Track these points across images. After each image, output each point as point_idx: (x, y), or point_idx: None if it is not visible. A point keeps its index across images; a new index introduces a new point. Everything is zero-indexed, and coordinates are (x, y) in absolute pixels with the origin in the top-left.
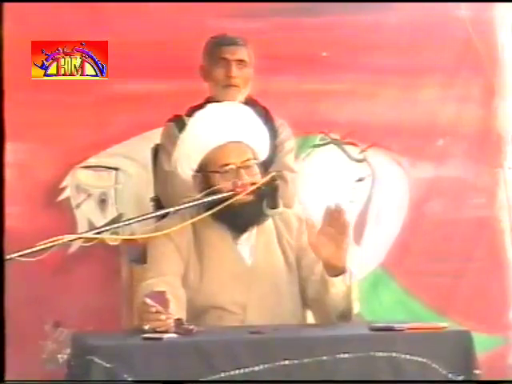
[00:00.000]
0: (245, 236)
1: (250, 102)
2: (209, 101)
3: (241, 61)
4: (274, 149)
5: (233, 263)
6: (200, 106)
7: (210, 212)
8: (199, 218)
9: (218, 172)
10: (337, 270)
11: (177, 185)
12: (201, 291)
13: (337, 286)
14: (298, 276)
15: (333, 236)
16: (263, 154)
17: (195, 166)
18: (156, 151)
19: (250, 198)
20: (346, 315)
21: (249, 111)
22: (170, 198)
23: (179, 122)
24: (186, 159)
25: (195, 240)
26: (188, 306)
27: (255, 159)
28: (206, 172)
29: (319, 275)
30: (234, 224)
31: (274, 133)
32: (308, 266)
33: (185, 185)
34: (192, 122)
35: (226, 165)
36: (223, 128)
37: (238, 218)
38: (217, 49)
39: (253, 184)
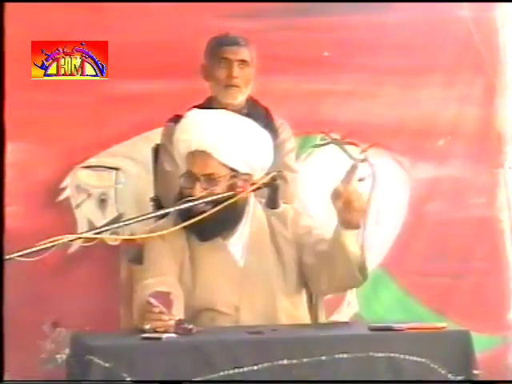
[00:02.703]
0: (236, 236)
1: (250, 102)
2: (210, 100)
3: (242, 61)
4: (275, 149)
5: (224, 265)
6: (201, 106)
7: (210, 212)
8: (195, 220)
9: (182, 176)
10: (352, 226)
11: (177, 185)
12: (194, 293)
13: (348, 236)
14: (301, 263)
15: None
16: (247, 168)
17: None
18: (156, 151)
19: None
20: (362, 270)
21: (234, 121)
22: (170, 198)
23: (179, 122)
24: (179, 156)
25: (189, 242)
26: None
27: (236, 172)
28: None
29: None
30: (197, 233)
31: (274, 133)
32: (312, 247)
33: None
34: (178, 126)
35: (187, 172)
36: (195, 135)
37: (202, 226)
38: (219, 48)
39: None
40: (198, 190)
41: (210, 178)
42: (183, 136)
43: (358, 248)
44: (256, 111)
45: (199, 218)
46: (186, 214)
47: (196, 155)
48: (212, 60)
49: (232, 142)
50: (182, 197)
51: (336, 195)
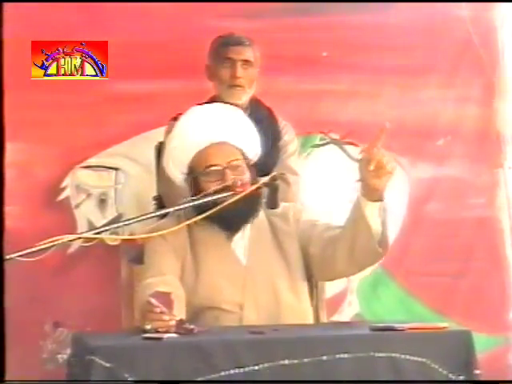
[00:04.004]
0: (238, 235)
1: (254, 102)
2: (213, 100)
3: (246, 61)
4: (277, 150)
5: (227, 263)
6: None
7: (206, 214)
8: (196, 219)
9: (203, 174)
10: (375, 196)
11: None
12: (196, 292)
13: (371, 208)
14: (308, 256)
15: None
16: (253, 153)
17: (185, 170)
18: (159, 150)
19: (237, 199)
20: (383, 242)
21: (232, 111)
22: (173, 198)
23: (177, 125)
24: (174, 164)
25: (190, 240)
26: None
27: (245, 159)
28: (194, 174)
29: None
30: (224, 224)
31: (277, 134)
32: (320, 237)
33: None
34: (177, 126)
35: (211, 166)
36: (206, 130)
37: (228, 218)
38: (223, 48)
39: (242, 183)
40: (230, 178)
41: (234, 165)
42: (190, 134)
43: (380, 222)
44: (260, 112)
45: (203, 216)
46: (206, 208)
47: (214, 147)
48: (216, 60)
49: (240, 128)
50: (205, 193)
51: (367, 160)
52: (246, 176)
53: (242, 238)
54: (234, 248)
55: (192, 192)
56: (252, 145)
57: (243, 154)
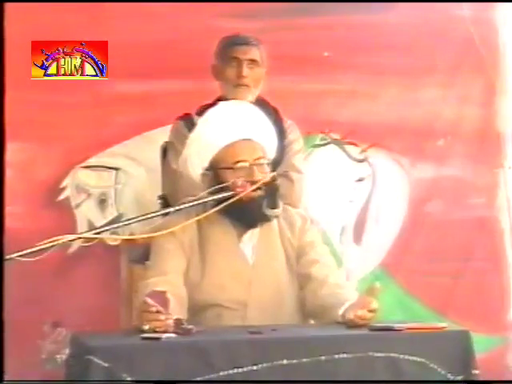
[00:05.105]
0: (248, 235)
1: (260, 101)
2: (220, 100)
3: (252, 61)
4: (283, 149)
5: (235, 261)
6: (210, 105)
7: (215, 209)
8: (205, 215)
9: (230, 169)
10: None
11: (184, 183)
12: (201, 288)
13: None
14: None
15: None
16: (271, 153)
17: (206, 164)
18: (165, 149)
19: (259, 194)
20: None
21: (257, 110)
22: (178, 197)
23: (188, 121)
24: (198, 158)
25: (199, 237)
26: (188, 302)
27: (265, 158)
28: (217, 169)
29: (332, 296)
30: (240, 218)
31: (282, 133)
32: (306, 265)
33: (192, 183)
34: (203, 121)
35: (239, 162)
36: (235, 126)
37: (246, 212)
38: (229, 48)
39: (243, 183)
40: (257, 175)
41: (259, 163)
42: (218, 129)
43: None
44: (265, 111)
45: (211, 211)
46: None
47: (242, 143)
48: (222, 60)
49: (265, 127)
50: (207, 191)
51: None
52: (269, 175)
53: (251, 238)
54: (243, 247)
55: (211, 187)
56: (272, 145)
57: (264, 153)
